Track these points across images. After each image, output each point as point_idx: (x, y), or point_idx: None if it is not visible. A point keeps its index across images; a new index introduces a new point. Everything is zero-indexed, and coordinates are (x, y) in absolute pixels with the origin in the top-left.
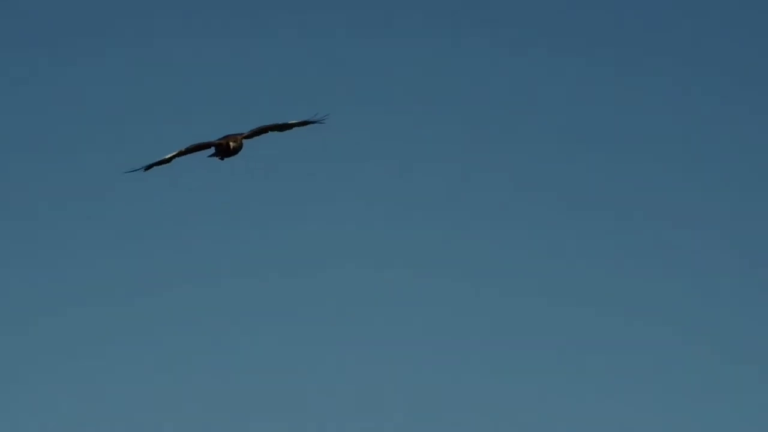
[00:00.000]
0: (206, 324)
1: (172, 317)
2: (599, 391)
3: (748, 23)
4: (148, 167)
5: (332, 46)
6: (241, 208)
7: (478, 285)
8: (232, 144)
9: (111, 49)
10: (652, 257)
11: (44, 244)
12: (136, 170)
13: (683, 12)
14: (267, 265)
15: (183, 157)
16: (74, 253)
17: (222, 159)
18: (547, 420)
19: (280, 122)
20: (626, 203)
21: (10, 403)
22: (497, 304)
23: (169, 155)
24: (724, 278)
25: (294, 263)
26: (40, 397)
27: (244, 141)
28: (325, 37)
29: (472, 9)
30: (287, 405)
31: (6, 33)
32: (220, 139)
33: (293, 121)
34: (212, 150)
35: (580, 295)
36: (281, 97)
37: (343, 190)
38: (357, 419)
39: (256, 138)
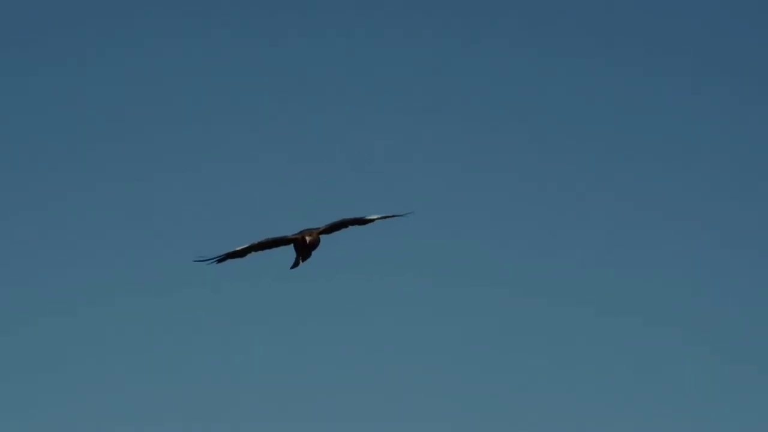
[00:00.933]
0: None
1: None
2: (600, 392)
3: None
4: (221, 259)
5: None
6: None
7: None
8: (308, 238)
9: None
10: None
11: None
12: (207, 260)
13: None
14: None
15: (257, 252)
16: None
17: (302, 260)
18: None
19: (360, 216)
20: (626, 203)
21: (9, 404)
22: (498, 306)
23: (241, 247)
24: (724, 279)
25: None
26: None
27: (320, 236)
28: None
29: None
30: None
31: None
32: (295, 234)
33: (375, 216)
34: (290, 247)
35: (580, 296)
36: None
37: None
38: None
39: (335, 233)
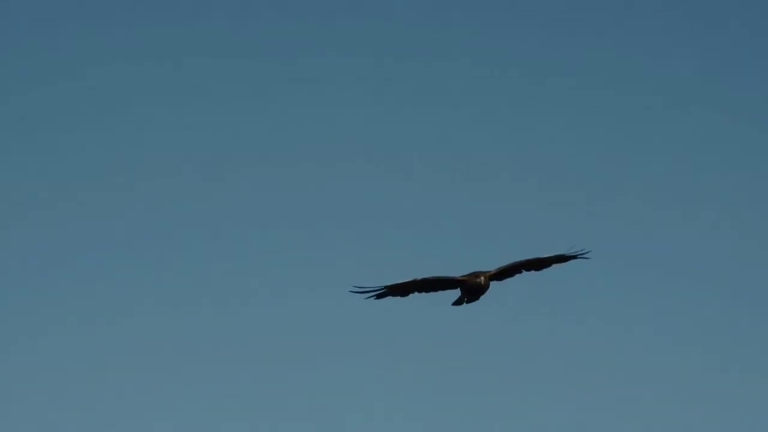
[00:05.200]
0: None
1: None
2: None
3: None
4: (381, 294)
5: None
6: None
7: None
8: (478, 281)
9: None
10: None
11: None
12: (366, 292)
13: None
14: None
15: (418, 293)
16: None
17: (467, 301)
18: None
19: (534, 258)
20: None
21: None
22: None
23: (404, 281)
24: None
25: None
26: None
27: (490, 281)
28: None
29: None
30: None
31: None
32: (465, 276)
33: (550, 256)
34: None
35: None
36: None
37: None
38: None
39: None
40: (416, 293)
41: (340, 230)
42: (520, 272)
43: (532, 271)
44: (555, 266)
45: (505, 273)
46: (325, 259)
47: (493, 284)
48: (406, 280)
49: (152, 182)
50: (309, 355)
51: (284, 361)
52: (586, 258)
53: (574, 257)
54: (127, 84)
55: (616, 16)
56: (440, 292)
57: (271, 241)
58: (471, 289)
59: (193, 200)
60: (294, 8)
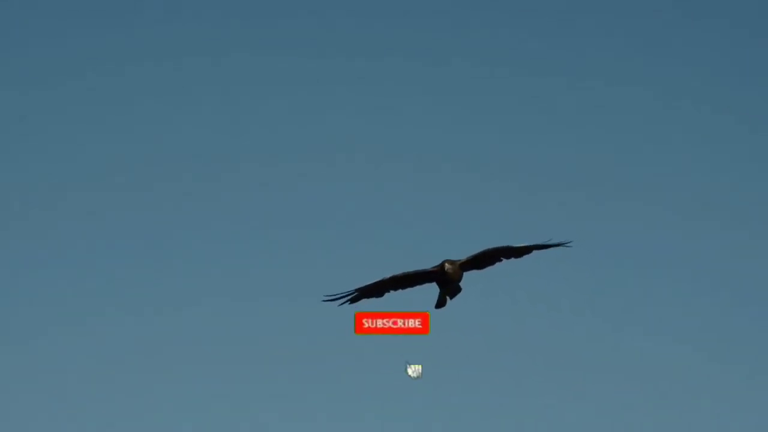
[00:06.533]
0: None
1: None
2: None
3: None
4: (354, 298)
5: None
6: None
7: None
8: (447, 266)
9: None
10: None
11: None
12: (338, 298)
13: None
14: None
15: (393, 291)
16: None
17: (449, 296)
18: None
19: (508, 245)
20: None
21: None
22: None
23: (373, 282)
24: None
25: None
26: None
27: (462, 269)
28: None
29: None
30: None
31: None
32: (435, 267)
33: (528, 244)
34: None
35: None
36: None
37: None
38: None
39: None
40: (392, 291)
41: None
42: (500, 260)
43: (512, 259)
44: (536, 253)
45: (478, 261)
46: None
47: (476, 275)
48: (376, 281)
49: (152, 182)
50: (309, 354)
51: (284, 361)
52: (567, 246)
53: (556, 245)
54: (127, 84)
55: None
56: (417, 288)
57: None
58: (443, 279)
59: (192, 200)
60: (294, 8)
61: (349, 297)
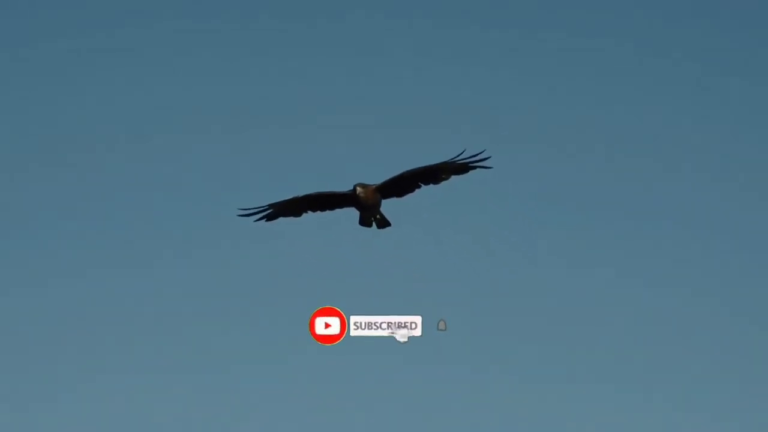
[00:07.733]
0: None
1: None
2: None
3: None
4: (270, 216)
5: None
6: None
7: None
8: (359, 190)
9: None
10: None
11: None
12: (252, 214)
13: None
14: None
15: (312, 212)
16: None
17: (374, 220)
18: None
19: (426, 166)
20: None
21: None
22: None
23: (287, 199)
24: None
25: None
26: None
27: (378, 195)
28: None
29: None
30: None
31: None
32: (348, 190)
33: (439, 163)
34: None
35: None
36: None
37: None
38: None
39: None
40: (310, 212)
41: None
42: (419, 186)
43: (431, 185)
44: (454, 178)
45: (394, 186)
46: None
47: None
48: (289, 198)
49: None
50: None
51: (284, 361)
52: (487, 168)
53: (473, 167)
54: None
55: None
56: (337, 210)
57: None
58: (358, 204)
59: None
60: (294, 8)
61: (264, 213)
